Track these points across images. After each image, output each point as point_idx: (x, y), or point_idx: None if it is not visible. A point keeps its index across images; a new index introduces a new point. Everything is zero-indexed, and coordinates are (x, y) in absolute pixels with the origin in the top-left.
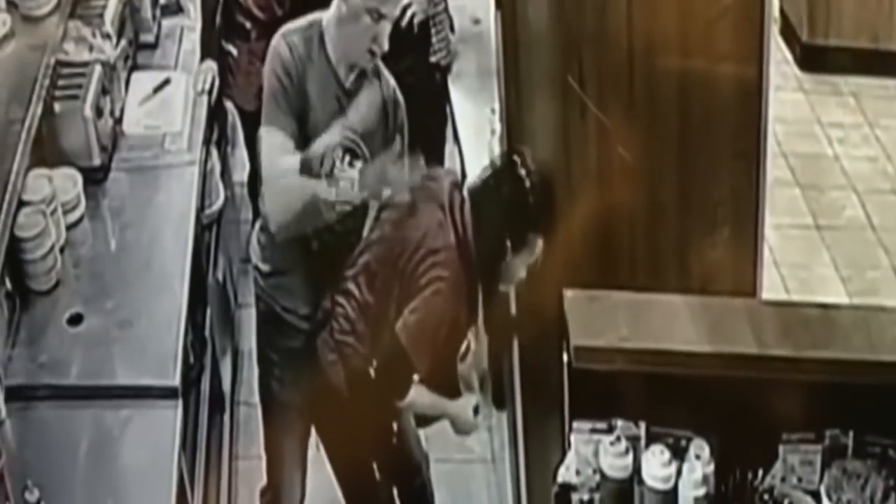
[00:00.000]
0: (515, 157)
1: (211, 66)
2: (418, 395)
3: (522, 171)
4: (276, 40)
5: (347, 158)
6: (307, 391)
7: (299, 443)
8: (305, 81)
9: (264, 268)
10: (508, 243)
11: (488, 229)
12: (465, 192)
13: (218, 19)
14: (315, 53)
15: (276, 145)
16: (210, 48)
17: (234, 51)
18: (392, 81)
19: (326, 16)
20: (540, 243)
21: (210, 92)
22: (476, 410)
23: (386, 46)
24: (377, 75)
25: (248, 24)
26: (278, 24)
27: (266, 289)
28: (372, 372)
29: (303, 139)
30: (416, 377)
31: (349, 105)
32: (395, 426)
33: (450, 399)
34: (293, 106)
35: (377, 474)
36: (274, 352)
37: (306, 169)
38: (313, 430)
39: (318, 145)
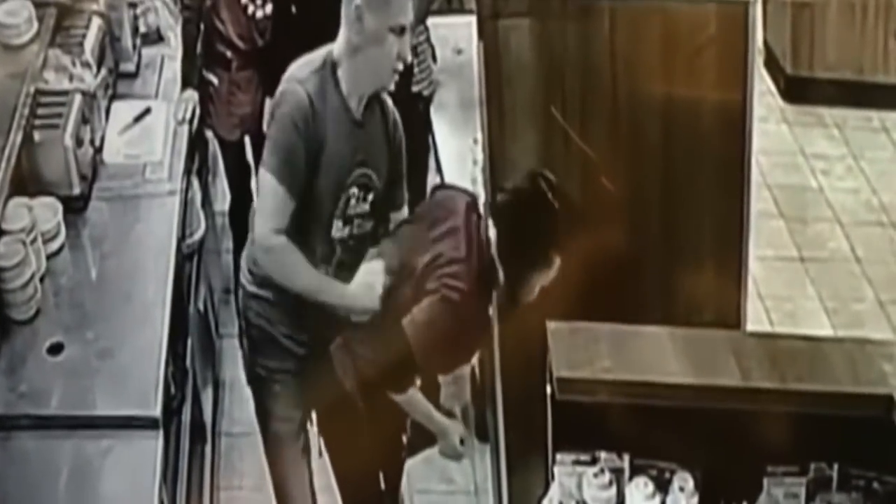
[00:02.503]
0: (541, 177)
1: (192, 95)
2: (418, 398)
3: (547, 190)
4: (290, 85)
5: (361, 194)
6: (316, 402)
7: (305, 465)
8: (323, 123)
9: (262, 293)
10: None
11: (513, 246)
12: (488, 209)
13: (199, 48)
14: (330, 91)
15: (277, 208)
16: (191, 77)
17: (214, 80)
18: (391, 103)
19: (337, 48)
20: (558, 261)
21: (191, 121)
22: (462, 442)
23: (409, 57)
24: (381, 101)
25: (228, 54)
26: (259, 53)
27: (262, 314)
28: (375, 368)
29: (309, 188)
30: (417, 381)
31: (363, 138)
32: (404, 439)
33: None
34: (308, 153)
35: (382, 485)
36: (271, 374)
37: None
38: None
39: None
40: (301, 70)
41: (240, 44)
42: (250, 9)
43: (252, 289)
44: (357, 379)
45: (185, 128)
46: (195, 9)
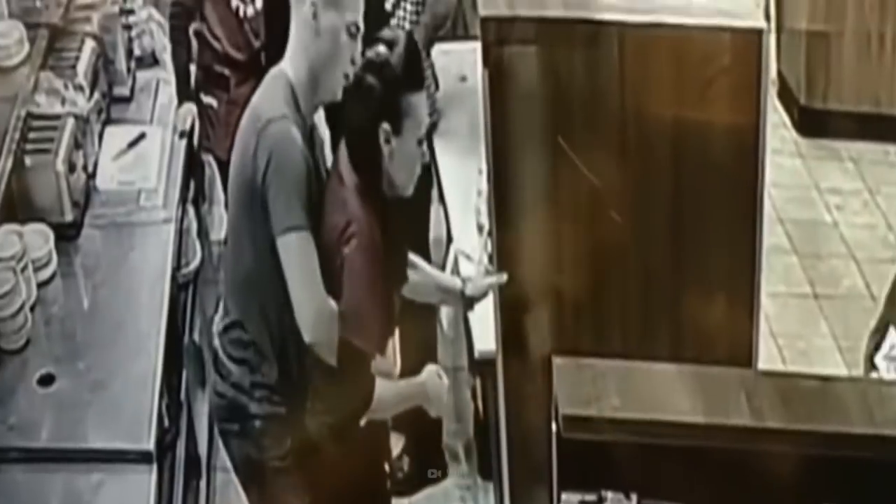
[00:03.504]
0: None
1: (191, 108)
2: (384, 391)
3: (381, 49)
4: (276, 126)
5: None
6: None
7: None
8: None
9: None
10: (386, 126)
11: (354, 122)
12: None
13: (193, 72)
14: (298, 114)
15: (315, 266)
16: (186, 95)
17: (213, 102)
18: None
19: (288, 63)
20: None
21: (190, 134)
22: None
23: (359, 60)
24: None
25: (226, 72)
26: (258, 59)
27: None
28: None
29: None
30: (374, 367)
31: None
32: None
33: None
34: (317, 186)
35: None
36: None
37: None
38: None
39: None
40: (273, 106)
41: (236, 55)
42: (241, 10)
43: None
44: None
45: (183, 144)
46: (182, 29)
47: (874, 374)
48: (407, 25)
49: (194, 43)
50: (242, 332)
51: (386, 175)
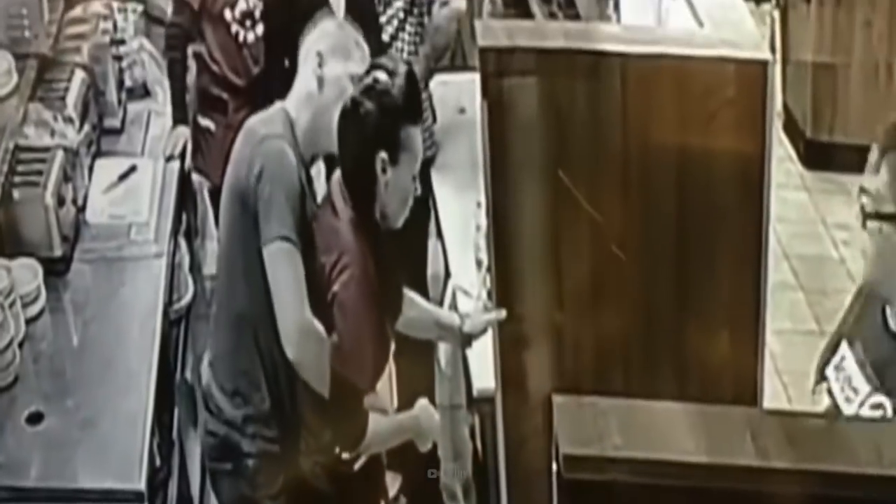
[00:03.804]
0: (376, 69)
1: (183, 132)
2: (377, 426)
3: (381, 76)
4: (271, 143)
5: None
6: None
7: None
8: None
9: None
10: (384, 155)
11: (352, 147)
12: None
13: (191, 92)
14: (295, 146)
15: (302, 281)
16: (181, 117)
17: (211, 125)
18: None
19: (291, 103)
20: (412, 141)
21: (182, 157)
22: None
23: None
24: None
25: (224, 95)
26: (257, 85)
27: (229, 420)
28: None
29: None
30: (367, 403)
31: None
32: None
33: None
34: (308, 210)
35: None
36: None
37: None
38: None
39: None
40: (270, 126)
41: (235, 79)
42: (241, 35)
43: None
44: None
45: (175, 167)
46: (179, 49)
47: (824, 385)
48: (406, 56)
49: (193, 64)
50: (233, 362)
51: (379, 205)
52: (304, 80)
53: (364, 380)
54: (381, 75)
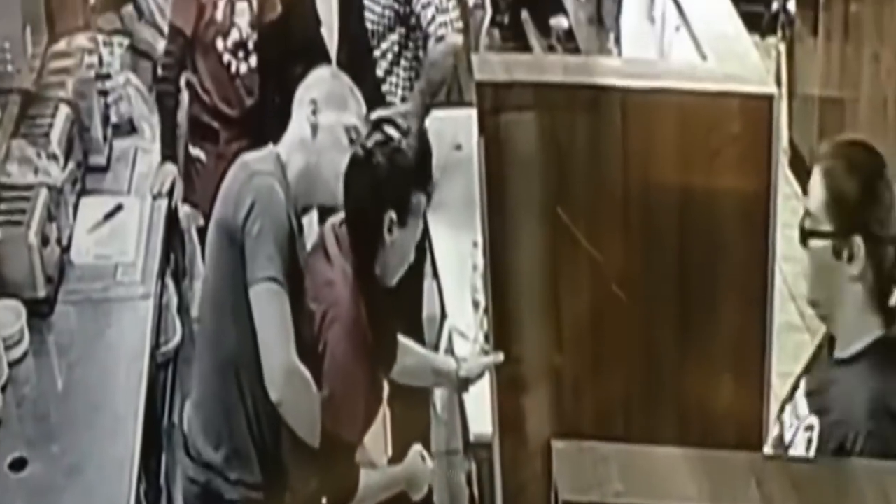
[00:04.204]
0: (383, 123)
1: (171, 169)
2: (368, 480)
3: (394, 133)
4: (265, 181)
5: None
6: None
7: None
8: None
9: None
10: (392, 215)
11: (362, 200)
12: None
13: (181, 122)
14: (287, 188)
15: (288, 323)
16: (170, 152)
17: (202, 155)
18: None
19: (285, 147)
20: (422, 206)
21: (170, 195)
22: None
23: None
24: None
25: (216, 125)
26: (249, 118)
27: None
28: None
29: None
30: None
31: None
32: None
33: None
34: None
35: None
36: None
37: None
38: None
39: None
40: (262, 164)
41: (227, 110)
42: (233, 65)
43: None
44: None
45: (163, 205)
46: (172, 80)
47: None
48: (400, 92)
49: (185, 94)
50: (216, 404)
51: (380, 262)
52: (298, 125)
53: (353, 433)
54: (393, 132)
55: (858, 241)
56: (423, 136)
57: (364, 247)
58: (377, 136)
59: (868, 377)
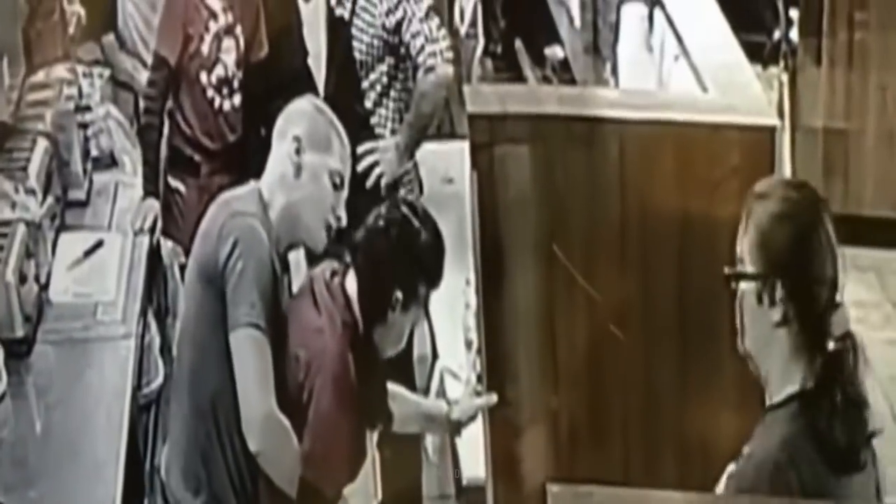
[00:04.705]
0: (403, 204)
1: (153, 204)
2: None
3: (411, 215)
4: (247, 222)
5: None
6: None
7: None
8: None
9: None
10: (399, 295)
11: (377, 268)
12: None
13: (163, 152)
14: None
15: (269, 370)
16: (152, 187)
17: (181, 187)
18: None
19: (266, 185)
20: (426, 296)
21: (151, 231)
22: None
23: (345, 220)
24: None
25: (196, 157)
26: (231, 152)
27: None
28: None
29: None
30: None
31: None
32: None
33: None
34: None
35: None
36: None
37: None
38: None
39: None
40: (243, 203)
41: (208, 143)
42: (216, 101)
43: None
44: None
45: (145, 242)
46: (157, 112)
47: None
48: (389, 125)
49: (166, 122)
50: (193, 449)
51: (377, 334)
52: (280, 161)
53: (334, 487)
54: (413, 217)
55: (778, 284)
56: (437, 229)
57: (372, 313)
58: (395, 214)
59: (784, 424)
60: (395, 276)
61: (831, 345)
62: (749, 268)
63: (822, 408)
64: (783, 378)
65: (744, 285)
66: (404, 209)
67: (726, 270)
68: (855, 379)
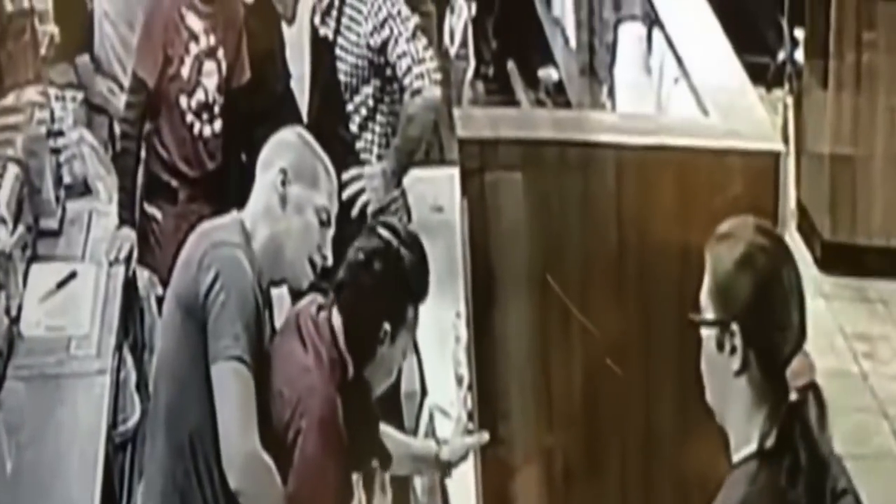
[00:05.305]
0: (382, 227)
1: (129, 234)
2: None
3: (392, 239)
4: (229, 252)
5: None
6: None
7: None
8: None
9: None
10: (387, 327)
11: (364, 316)
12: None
13: (139, 179)
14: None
15: (252, 407)
16: (128, 215)
17: (158, 215)
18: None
19: (249, 216)
20: (414, 321)
21: (127, 262)
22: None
23: (330, 259)
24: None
25: (174, 183)
26: (210, 180)
27: None
28: None
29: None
30: None
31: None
32: None
33: None
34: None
35: None
36: None
37: None
38: None
39: None
40: (225, 233)
41: (186, 169)
42: (196, 127)
43: None
44: None
45: (120, 272)
46: (134, 137)
47: None
48: (376, 149)
49: (143, 147)
50: (170, 487)
51: (367, 372)
52: (264, 192)
53: None
54: (390, 237)
55: (736, 330)
56: (419, 244)
57: (359, 353)
58: (375, 242)
59: (743, 486)
60: (382, 310)
61: (793, 395)
62: (708, 314)
63: (782, 468)
64: (744, 432)
65: (705, 332)
66: (384, 232)
67: (690, 316)
68: (819, 433)
